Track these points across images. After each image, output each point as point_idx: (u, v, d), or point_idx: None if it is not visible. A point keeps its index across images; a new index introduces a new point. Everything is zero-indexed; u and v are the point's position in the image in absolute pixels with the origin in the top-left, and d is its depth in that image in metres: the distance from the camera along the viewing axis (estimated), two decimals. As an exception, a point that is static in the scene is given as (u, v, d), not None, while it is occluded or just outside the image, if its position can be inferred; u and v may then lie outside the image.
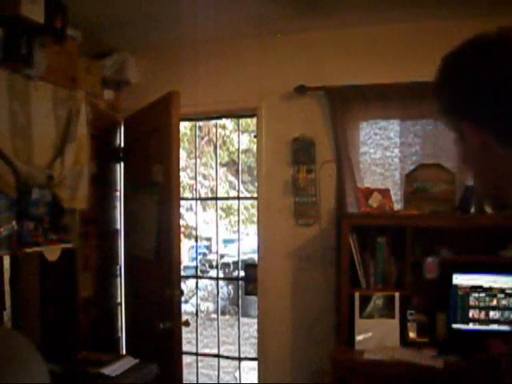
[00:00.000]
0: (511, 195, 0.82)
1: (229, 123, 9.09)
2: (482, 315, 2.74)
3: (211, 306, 9.23)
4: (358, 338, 2.78)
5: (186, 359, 3.69)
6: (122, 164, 3.51)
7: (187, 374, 3.89)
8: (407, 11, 2.89)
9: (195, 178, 4.99)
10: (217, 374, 4.02)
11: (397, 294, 2.82)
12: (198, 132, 4.30)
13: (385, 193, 2.99)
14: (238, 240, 4.68)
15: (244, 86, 3.32)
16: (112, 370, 2.42)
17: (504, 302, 2.71)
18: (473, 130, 0.78)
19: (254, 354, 3.92)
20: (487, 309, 2.73)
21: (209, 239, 10.84)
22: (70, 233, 2.80)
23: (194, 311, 5.89)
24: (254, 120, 3.43)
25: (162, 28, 3.14)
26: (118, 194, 3.54)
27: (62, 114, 2.80)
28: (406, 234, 2.80)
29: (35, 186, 2.55)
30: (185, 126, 5.69)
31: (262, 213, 3.34)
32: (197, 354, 3.98)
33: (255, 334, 3.62)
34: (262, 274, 3.34)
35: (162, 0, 2.76)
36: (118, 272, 3.55)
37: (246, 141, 8.40)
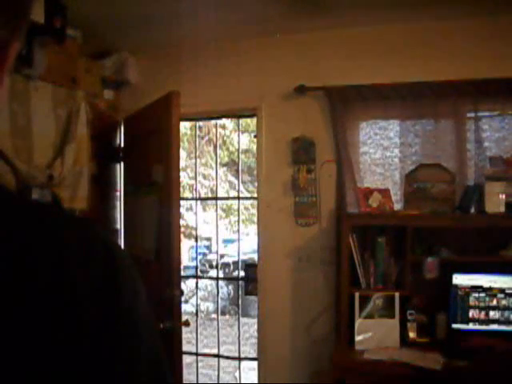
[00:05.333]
0: None
1: (229, 123, 9.09)
2: (482, 315, 2.74)
3: (211, 306, 9.23)
4: (358, 338, 2.77)
5: (186, 359, 3.68)
6: (122, 164, 3.51)
7: (187, 374, 3.89)
8: (407, 11, 2.89)
9: (195, 178, 4.98)
10: (217, 374, 4.01)
11: (397, 294, 2.82)
12: (198, 132, 4.30)
13: (385, 193, 2.99)
14: (238, 240, 4.68)
15: (244, 85, 3.32)
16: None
17: (504, 302, 2.71)
18: None
19: (253, 354, 3.92)
20: (487, 309, 2.73)
21: (209, 239, 10.84)
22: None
23: (194, 311, 5.88)
24: (254, 120, 3.43)
25: (162, 28, 3.14)
26: (117, 193, 3.54)
27: (62, 114, 2.80)
28: (406, 234, 2.80)
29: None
30: (185, 126, 5.69)
31: (262, 213, 3.35)
32: (197, 354, 3.98)
33: (255, 334, 3.62)
34: (261, 274, 3.34)
35: (162, 0, 2.76)
36: (118, 272, 3.54)
37: (246, 141, 8.40)
